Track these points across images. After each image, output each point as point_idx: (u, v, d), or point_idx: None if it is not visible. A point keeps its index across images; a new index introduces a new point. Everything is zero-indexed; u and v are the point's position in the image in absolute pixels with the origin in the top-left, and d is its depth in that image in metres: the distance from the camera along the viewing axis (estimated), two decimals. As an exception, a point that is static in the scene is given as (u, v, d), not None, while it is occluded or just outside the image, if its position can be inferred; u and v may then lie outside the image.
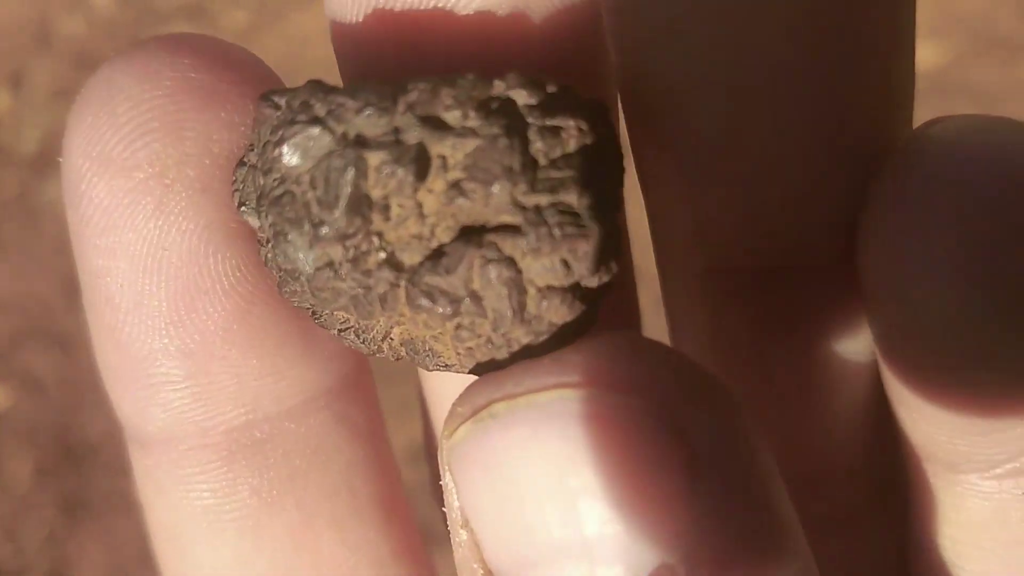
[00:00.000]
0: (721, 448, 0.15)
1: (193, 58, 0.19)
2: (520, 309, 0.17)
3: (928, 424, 0.19)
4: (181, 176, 0.19)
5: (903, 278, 0.17)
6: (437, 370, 0.19)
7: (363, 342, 0.19)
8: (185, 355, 0.19)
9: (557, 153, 0.17)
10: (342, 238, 0.17)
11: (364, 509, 0.22)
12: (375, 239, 0.17)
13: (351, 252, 0.17)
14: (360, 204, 0.17)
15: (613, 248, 0.18)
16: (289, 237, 0.17)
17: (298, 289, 0.18)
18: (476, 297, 0.17)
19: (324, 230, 0.17)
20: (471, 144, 0.17)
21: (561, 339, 0.18)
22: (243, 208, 0.19)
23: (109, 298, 0.19)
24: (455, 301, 0.18)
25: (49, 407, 1.15)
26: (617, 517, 0.15)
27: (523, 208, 0.17)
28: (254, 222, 0.19)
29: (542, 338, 0.18)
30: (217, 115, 0.19)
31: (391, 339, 0.19)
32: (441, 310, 0.18)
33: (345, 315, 0.19)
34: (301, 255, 0.17)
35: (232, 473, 0.21)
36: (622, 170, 0.19)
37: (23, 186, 1.25)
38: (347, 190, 0.17)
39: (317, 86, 0.18)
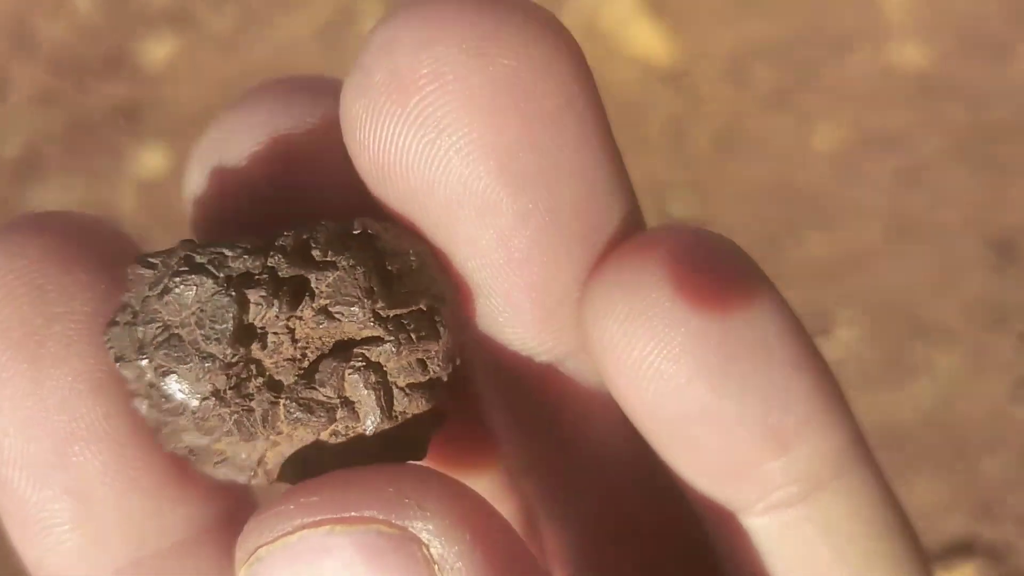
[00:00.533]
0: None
1: (55, 231, 0.21)
2: (388, 407, 0.21)
3: (685, 475, 0.22)
4: (50, 333, 0.21)
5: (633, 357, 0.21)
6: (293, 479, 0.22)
7: (239, 470, 0.21)
8: (71, 497, 0.21)
9: (407, 271, 0.21)
10: (227, 368, 0.20)
11: None
12: (253, 367, 0.20)
13: (233, 380, 0.20)
14: (242, 335, 0.20)
15: (459, 345, 0.22)
16: (177, 374, 0.20)
17: (180, 426, 0.21)
18: (348, 403, 0.21)
19: (208, 364, 0.20)
20: (333, 275, 0.20)
21: (424, 427, 0.21)
22: (120, 362, 0.21)
23: (3, 445, 0.21)
24: (330, 410, 0.20)
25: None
26: None
27: (384, 320, 0.21)
28: (129, 374, 0.21)
29: (408, 431, 0.21)
30: (77, 278, 0.21)
31: (266, 463, 0.21)
32: (316, 420, 0.20)
33: (222, 447, 0.21)
34: (188, 387, 0.20)
35: None
36: (451, 281, 0.22)
37: (4, 192, 1.24)
38: (230, 325, 0.20)
39: (191, 243, 0.21)
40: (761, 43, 1.18)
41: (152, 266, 0.21)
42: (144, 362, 0.20)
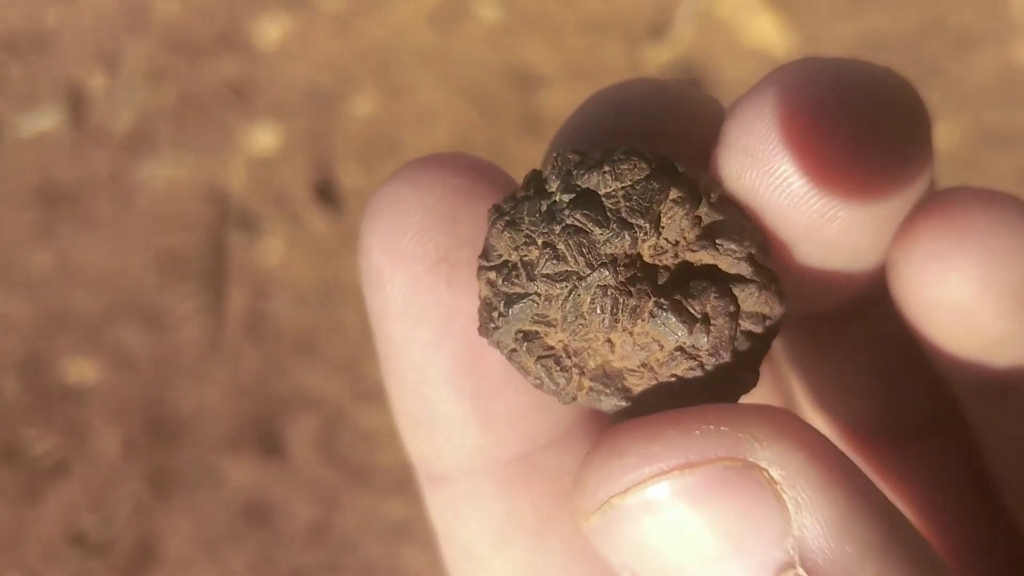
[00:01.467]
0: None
1: (452, 169, 0.24)
2: (731, 340, 0.22)
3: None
4: (460, 257, 0.23)
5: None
6: (614, 413, 0.23)
7: (562, 371, 0.22)
8: (472, 398, 0.24)
9: (763, 239, 0.23)
10: (633, 245, 0.22)
11: None
12: (638, 260, 0.22)
13: (627, 260, 0.22)
14: (655, 223, 0.22)
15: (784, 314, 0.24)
16: (586, 238, 0.22)
17: (542, 301, 0.22)
18: (707, 320, 0.22)
19: (626, 232, 0.22)
20: (718, 216, 0.23)
21: (743, 373, 0.23)
22: (509, 229, 0.23)
23: (410, 360, 0.24)
24: (690, 320, 0.22)
25: (139, 382, 1.16)
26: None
27: (751, 264, 0.22)
28: (508, 243, 0.22)
29: (733, 379, 0.23)
30: (477, 209, 0.24)
31: (587, 373, 0.22)
32: (680, 326, 0.22)
33: (557, 340, 0.22)
34: (589, 253, 0.22)
35: (514, 497, 0.25)
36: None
37: (115, 165, 1.27)
38: (655, 205, 0.22)
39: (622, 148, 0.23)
40: (881, 37, 1.17)
41: (577, 152, 0.23)
42: (549, 226, 0.22)
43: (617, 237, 0.22)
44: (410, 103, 1.23)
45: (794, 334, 0.29)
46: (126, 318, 1.19)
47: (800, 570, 0.20)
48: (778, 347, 0.30)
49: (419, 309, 0.23)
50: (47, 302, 1.20)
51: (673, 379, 0.22)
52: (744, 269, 0.22)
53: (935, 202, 0.24)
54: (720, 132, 0.23)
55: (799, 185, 0.22)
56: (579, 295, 0.22)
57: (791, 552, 0.20)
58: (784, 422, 0.21)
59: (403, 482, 1.05)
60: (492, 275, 0.23)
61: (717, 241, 0.22)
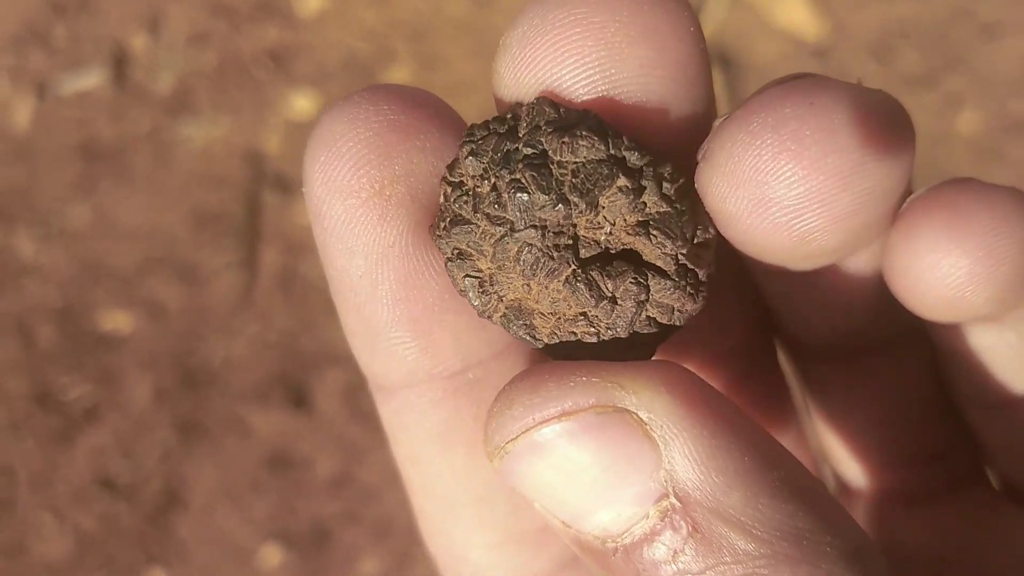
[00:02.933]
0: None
1: (391, 103, 0.24)
2: (631, 325, 0.24)
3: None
4: (395, 192, 0.24)
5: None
6: (518, 338, 0.25)
7: (483, 293, 0.24)
8: (412, 322, 0.25)
9: (702, 239, 0.24)
10: (566, 216, 0.23)
11: None
12: (571, 229, 0.24)
13: (559, 228, 0.23)
14: (595, 202, 0.23)
15: (702, 306, 0.25)
16: (527, 196, 0.23)
17: (477, 231, 0.24)
18: (613, 301, 0.24)
19: (560, 205, 0.23)
20: (665, 207, 0.24)
21: (641, 349, 0.25)
22: (472, 157, 0.24)
23: (351, 286, 0.25)
24: (600, 298, 0.24)
25: (171, 333, 1.19)
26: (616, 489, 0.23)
27: (676, 262, 0.24)
28: (471, 171, 0.24)
29: (625, 348, 0.24)
30: (414, 144, 0.24)
31: (503, 301, 0.24)
32: (588, 299, 0.24)
33: (485, 266, 0.24)
34: (525, 212, 0.23)
35: (455, 407, 0.27)
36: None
37: (155, 124, 1.29)
38: (598, 191, 0.23)
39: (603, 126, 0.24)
40: (909, 23, 1.18)
41: (556, 107, 0.24)
42: (501, 171, 0.23)
43: (552, 207, 0.23)
44: (444, 73, 1.25)
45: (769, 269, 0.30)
46: (161, 272, 1.21)
47: (673, 499, 0.22)
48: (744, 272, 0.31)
49: (356, 240, 0.24)
50: (85, 254, 1.23)
51: (573, 336, 0.24)
52: (668, 264, 0.24)
53: (933, 193, 0.25)
54: (705, 148, 0.24)
55: (783, 213, 0.23)
56: (508, 243, 0.23)
57: (664, 483, 0.22)
58: (652, 370, 0.23)
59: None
60: (448, 189, 0.24)
61: (652, 232, 0.24)
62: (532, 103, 0.24)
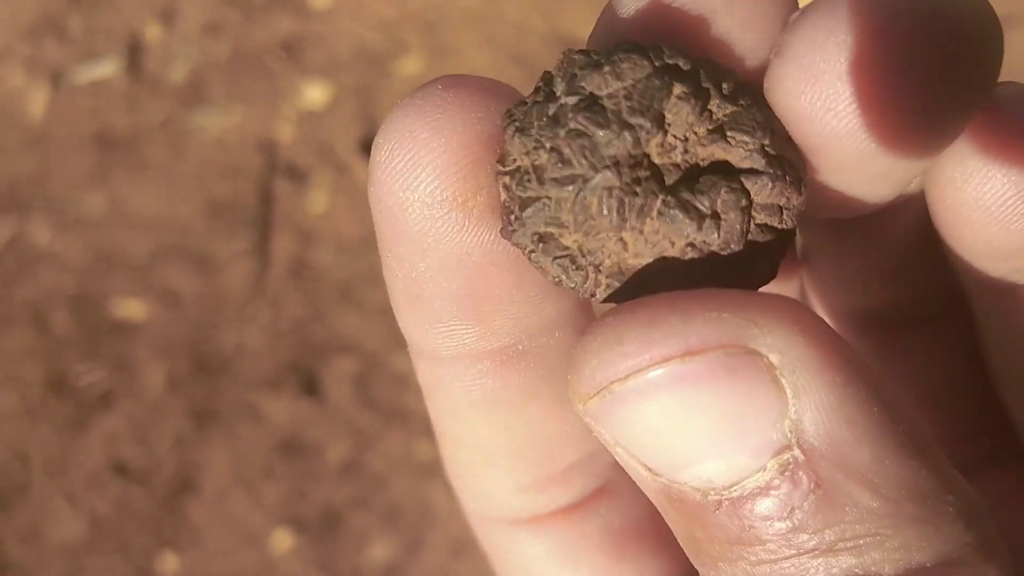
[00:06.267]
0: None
1: (478, 109, 0.23)
2: (744, 233, 0.22)
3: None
4: (477, 203, 0.23)
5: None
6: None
7: (577, 270, 0.23)
8: (476, 314, 0.25)
9: (780, 130, 0.23)
10: (636, 145, 0.22)
11: None
12: (645, 160, 0.22)
13: (632, 160, 0.22)
14: (659, 119, 0.22)
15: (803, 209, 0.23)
16: (588, 140, 0.22)
17: (552, 204, 0.22)
18: (717, 217, 0.22)
19: (626, 133, 0.22)
20: (732, 107, 0.22)
21: (759, 265, 0.23)
22: (519, 134, 0.23)
23: (416, 281, 0.25)
24: (700, 217, 0.22)
25: (184, 321, 1.20)
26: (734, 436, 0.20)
27: (765, 155, 0.22)
28: (520, 147, 0.23)
29: (745, 270, 0.23)
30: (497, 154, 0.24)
31: (602, 271, 0.23)
32: (689, 223, 0.22)
33: (572, 241, 0.23)
34: (592, 156, 0.22)
35: (504, 376, 0.27)
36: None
37: (169, 114, 1.30)
38: (657, 104, 0.22)
39: (627, 43, 0.23)
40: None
41: (585, 52, 0.23)
42: (555, 131, 0.22)
43: (618, 138, 0.22)
44: (456, 64, 1.26)
45: (804, 228, 0.29)
46: (175, 260, 1.22)
47: (797, 452, 0.20)
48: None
49: (432, 245, 0.24)
50: (99, 242, 1.24)
51: (687, 274, 0.22)
52: (757, 161, 0.22)
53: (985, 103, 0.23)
54: (779, 41, 0.22)
55: (851, 118, 0.21)
56: (585, 197, 0.22)
57: (788, 435, 0.20)
58: (785, 308, 0.21)
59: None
60: (507, 180, 0.23)
61: (728, 134, 0.22)
62: (560, 61, 0.23)
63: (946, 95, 0.21)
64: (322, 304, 1.18)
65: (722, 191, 0.22)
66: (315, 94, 1.29)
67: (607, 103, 0.22)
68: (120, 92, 1.32)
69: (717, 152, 0.22)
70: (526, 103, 0.23)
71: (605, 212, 0.22)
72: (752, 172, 0.22)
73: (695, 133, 0.22)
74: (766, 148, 0.22)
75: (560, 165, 0.22)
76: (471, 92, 0.23)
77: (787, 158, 0.22)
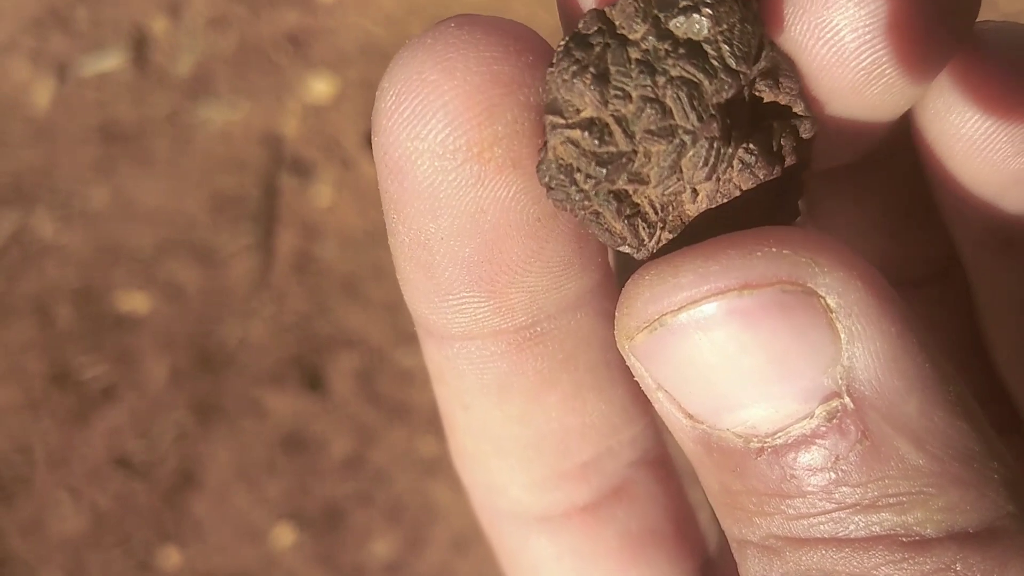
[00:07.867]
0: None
1: (493, 48, 0.21)
2: (798, 173, 0.22)
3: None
4: (494, 155, 0.21)
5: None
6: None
7: (647, 225, 0.22)
8: (490, 284, 0.23)
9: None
10: (739, 90, 0.21)
11: (618, 377, 0.27)
12: (730, 105, 0.21)
13: (725, 109, 0.21)
14: (751, 67, 0.21)
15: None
16: (694, 87, 0.20)
17: (659, 153, 0.21)
18: (781, 160, 0.22)
19: (728, 79, 0.21)
20: (771, 51, 0.22)
21: (791, 194, 0.23)
22: (596, 83, 0.21)
23: (426, 245, 0.23)
24: (771, 162, 0.21)
25: (187, 315, 1.19)
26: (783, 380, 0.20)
27: (804, 99, 0.22)
28: (589, 99, 0.21)
29: (787, 205, 0.22)
30: (518, 100, 0.21)
31: (667, 226, 0.22)
32: (763, 167, 0.21)
33: (643, 197, 0.21)
34: (699, 104, 0.20)
35: (519, 359, 0.25)
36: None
37: (174, 107, 1.29)
38: (754, 50, 0.21)
39: None
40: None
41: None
42: (654, 78, 0.20)
43: (726, 87, 0.20)
44: (462, 59, 1.25)
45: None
46: (179, 253, 1.22)
47: (847, 399, 0.19)
48: None
49: (444, 202, 0.22)
50: (104, 236, 1.24)
51: (736, 220, 0.22)
52: (798, 104, 0.22)
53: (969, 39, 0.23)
54: None
55: (851, 40, 0.21)
56: (688, 150, 0.21)
57: (839, 381, 0.19)
58: (844, 252, 0.20)
59: (437, 420, 1.06)
60: (575, 133, 0.21)
61: (780, 80, 0.22)
62: (620, 3, 0.21)
63: (935, 21, 0.21)
64: (326, 299, 1.17)
65: (785, 134, 0.22)
66: (321, 88, 1.29)
67: (707, 48, 0.20)
68: (125, 85, 1.32)
69: (767, 95, 0.22)
70: (588, 44, 0.21)
71: (702, 164, 0.21)
72: (798, 116, 0.22)
73: (766, 83, 0.22)
74: (803, 91, 0.22)
75: (659, 116, 0.20)
76: (487, 31, 0.21)
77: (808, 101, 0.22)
